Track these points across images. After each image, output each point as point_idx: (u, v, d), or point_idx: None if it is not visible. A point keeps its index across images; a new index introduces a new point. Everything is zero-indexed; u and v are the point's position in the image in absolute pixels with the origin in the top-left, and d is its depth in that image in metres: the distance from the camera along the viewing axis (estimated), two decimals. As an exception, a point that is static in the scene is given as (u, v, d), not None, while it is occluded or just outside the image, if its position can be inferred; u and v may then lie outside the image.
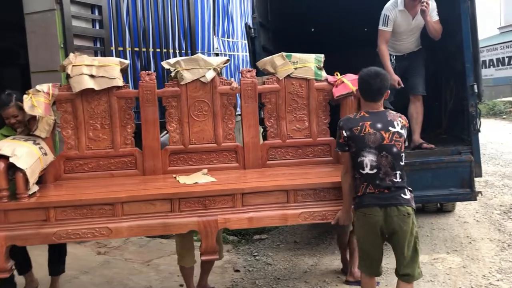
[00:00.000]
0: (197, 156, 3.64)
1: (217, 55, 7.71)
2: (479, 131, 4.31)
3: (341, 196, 3.04)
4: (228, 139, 3.66)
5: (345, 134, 2.84)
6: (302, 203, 3.10)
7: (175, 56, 6.42)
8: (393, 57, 4.63)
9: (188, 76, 3.58)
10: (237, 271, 4.34)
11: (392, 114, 2.87)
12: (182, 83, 3.59)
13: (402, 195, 2.78)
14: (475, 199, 4.37)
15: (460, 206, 5.85)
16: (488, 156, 9.18)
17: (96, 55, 5.25)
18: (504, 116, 16.28)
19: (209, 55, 7.72)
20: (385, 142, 2.78)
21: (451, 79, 5.21)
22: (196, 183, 3.19)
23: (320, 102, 3.77)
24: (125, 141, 3.58)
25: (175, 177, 3.40)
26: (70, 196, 3.04)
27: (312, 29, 6.41)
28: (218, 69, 3.64)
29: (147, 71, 3.64)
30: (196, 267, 3.60)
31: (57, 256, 3.63)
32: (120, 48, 5.51)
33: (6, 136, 3.25)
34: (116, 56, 5.41)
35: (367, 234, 2.84)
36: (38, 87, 3.40)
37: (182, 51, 6.65)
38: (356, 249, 3.55)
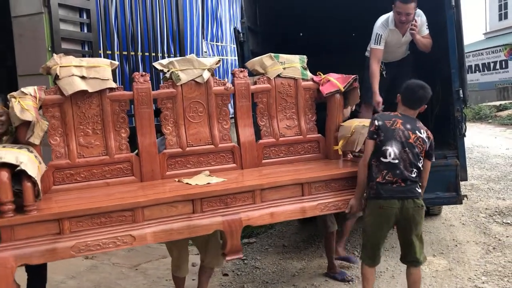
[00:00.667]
0: (194, 158, 3.52)
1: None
2: (464, 135, 4.37)
3: (348, 186, 3.25)
4: (225, 140, 3.61)
5: (377, 123, 3.11)
6: (316, 195, 3.21)
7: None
8: (382, 63, 4.72)
9: (184, 77, 3.48)
10: (226, 275, 4.34)
11: (421, 123, 3.17)
12: (178, 83, 3.46)
13: (416, 188, 3.05)
14: (461, 203, 4.43)
15: (446, 209, 5.92)
16: (474, 160, 9.30)
17: (84, 58, 5.22)
18: (490, 121, 16.52)
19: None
20: (410, 140, 3.05)
21: (437, 84, 5.27)
22: (208, 183, 3.09)
23: (307, 100, 3.87)
24: (120, 147, 3.34)
25: (178, 181, 3.28)
26: (80, 205, 2.74)
27: (301, 34, 6.46)
28: (212, 69, 3.61)
29: (140, 73, 3.47)
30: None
31: (39, 284, 3.23)
32: (108, 52, 5.50)
33: None
34: (104, 60, 5.39)
35: (379, 225, 3.08)
36: (23, 89, 3.09)
37: (171, 55, 6.65)
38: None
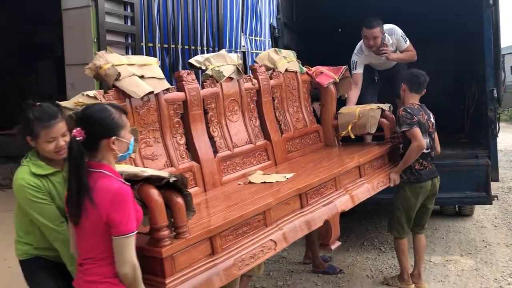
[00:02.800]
0: (240, 160, 3.34)
1: (244, 53, 7.89)
2: (497, 135, 4.37)
3: (383, 163, 3.80)
4: (258, 138, 3.55)
5: (415, 118, 3.63)
6: (368, 175, 3.55)
7: (202, 53, 6.62)
8: (375, 70, 4.96)
9: (226, 73, 3.32)
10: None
11: (426, 108, 3.82)
12: (220, 81, 3.28)
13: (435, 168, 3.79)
14: (491, 203, 4.44)
15: (479, 210, 5.89)
16: (515, 163, 9.07)
17: (127, 50, 5.49)
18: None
19: (236, 53, 7.92)
20: (430, 130, 3.77)
21: (473, 84, 5.27)
22: (287, 178, 3.06)
23: (305, 93, 4.09)
24: (181, 155, 2.94)
25: (243, 184, 3.09)
26: (222, 217, 2.36)
27: (339, 30, 6.53)
28: (241, 65, 3.53)
29: (186, 70, 3.16)
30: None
31: None
32: (150, 44, 5.73)
33: (40, 176, 2.26)
34: (146, 52, 5.65)
35: (417, 201, 3.75)
36: (88, 93, 2.56)
37: (210, 49, 6.84)
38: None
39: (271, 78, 3.76)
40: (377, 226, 5.52)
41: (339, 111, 4.15)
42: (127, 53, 5.45)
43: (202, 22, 6.81)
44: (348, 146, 4.08)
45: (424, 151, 3.66)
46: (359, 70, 4.69)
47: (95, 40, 5.16)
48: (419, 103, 3.80)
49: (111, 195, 1.85)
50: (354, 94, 4.58)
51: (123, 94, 2.64)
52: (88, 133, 1.88)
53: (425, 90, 3.79)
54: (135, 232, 1.88)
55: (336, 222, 2.99)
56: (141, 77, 2.77)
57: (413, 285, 3.88)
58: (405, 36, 4.63)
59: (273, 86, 3.76)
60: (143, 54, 5.57)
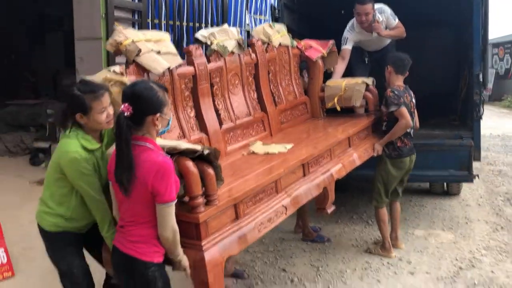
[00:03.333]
0: (240, 131, 3.54)
1: (248, 32, 8.10)
2: (481, 118, 4.62)
3: (368, 134, 4.16)
4: (256, 110, 3.75)
5: (402, 100, 3.96)
6: (356, 145, 3.90)
7: (207, 30, 6.85)
8: (365, 52, 5.20)
9: (229, 48, 3.47)
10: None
11: (409, 89, 4.16)
12: (225, 55, 3.43)
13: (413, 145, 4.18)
14: (472, 181, 4.75)
15: (466, 190, 6.17)
16: (510, 147, 9.36)
17: (133, 26, 5.76)
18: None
19: (240, 31, 8.13)
20: (412, 109, 4.10)
21: (465, 68, 5.49)
22: (287, 149, 3.29)
23: (295, 66, 4.37)
24: (192, 128, 3.14)
25: (247, 154, 3.32)
26: (244, 185, 2.61)
27: (342, 11, 6.69)
28: (242, 39, 3.69)
29: (194, 45, 3.29)
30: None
31: None
32: (156, 21, 6.00)
33: (89, 150, 2.41)
34: (151, 28, 5.90)
35: (397, 175, 4.15)
36: (114, 69, 2.65)
37: (214, 26, 7.07)
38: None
39: (266, 52, 3.96)
40: (367, 202, 5.81)
41: (326, 84, 4.47)
42: (133, 29, 5.71)
43: (207, 0, 7.03)
44: (333, 118, 4.41)
45: (407, 129, 4.03)
46: (348, 46, 4.91)
47: (103, 15, 5.43)
48: (403, 85, 4.13)
49: (157, 167, 2.06)
50: (340, 67, 4.81)
51: (143, 69, 2.79)
52: (135, 109, 2.08)
53: (408, 72, 4.12)
54: (176, 201, 2.12)
55: (332, 188, 3.37)
56: (158, 52, 2.91)
57: (394, 254, 4.22)
58: (394, 14, 4.89)
59: (268, 60, 3.98)
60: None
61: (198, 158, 2.24)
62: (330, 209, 3.43)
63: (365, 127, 4.14)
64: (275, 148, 3.35)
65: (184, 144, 2.28)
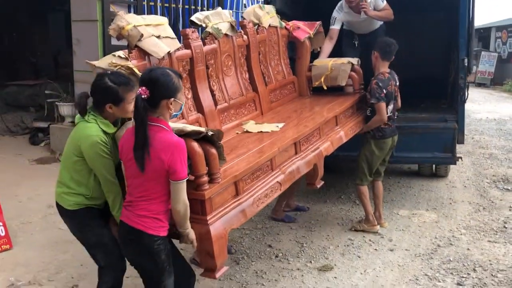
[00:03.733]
0: (233, 111, 3.71)
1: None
2: (465, 101, 4.75)
3: (353, 112, 4.38)
4: (248, 90, 3.90)
5: (384, 91, 4.17)
6: (342, 124, 4.09)
7: (202, 13, 6.94)
8: (356, 35, 5.35)
9: (224, 30, 3.62)
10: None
11: (394, 74, 4.37)
12: (219, 38, 3.57)
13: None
14: (455, 163, 4.90)
15: (454, 172, 6.33)
16: (504, 131, 9.47)
17: (129, 8, 5.88)
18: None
19: (237, 13, 8.23)
20: (396, 93, 4.36)
21: (454, 53, 5.59)
22: (279, 128, 3.50)
23: (283, 46, 4.55)
24: (189, 109, 3.29)
25: (241, 133, 3.49)
26: (242, 164, 2.82)
27: None
28: (234, 22, 3.83)
29: (191, 29, 3.39)
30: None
31: None
32: (151, 3, 6.11)
33: (107, 134, 2.56)
34: (147, 11, 6.01)
35: (381, 155, 4.38)
36: (119, 54, 2.78)
37: (210, 8, 7.17)
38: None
39: (257, 33, 4.11)
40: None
41: (313, 63, 4.69)
42: (129, 11, 5.85)
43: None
44: (320, 96, 4.62)
45: (388, 113, 4.27)
46: (336, 26, 5.09)
47: (99, -2, 5.55)
48: (389, 70, 4.31)
49: (173, 147, 2.25)
50: (327, 47, 4.99)
51: (144, 53, 2.94)
52: (152, 92, 2.25)
53: (394, 57, 4.29)
54: (187, 178, 2.32)
55: (321, 165, 3.59)
56: (158, 37, 3.04)
57: (378, 226, 4.49)
58: None
59: (259, 41, 4.14)
60: (144, 13, 5.97)
61: (202, 139, 2.42)
62: (319, 184, 3.67)
63: (351, 106, 4.34)
64: (268, 127, 3.53)
65: (189, 127, 2.46)
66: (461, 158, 4.96)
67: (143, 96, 2.23)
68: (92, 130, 2.50)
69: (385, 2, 5.04)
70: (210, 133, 2.41)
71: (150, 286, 2.49)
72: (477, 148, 7.96)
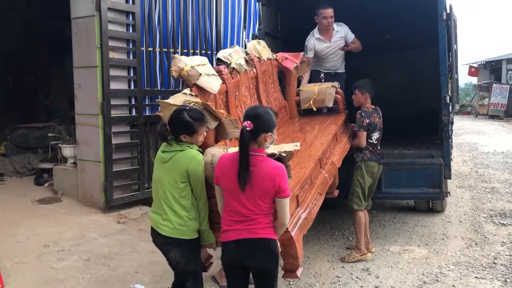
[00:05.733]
0: None
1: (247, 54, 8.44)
2: (449, 137, 4.85)
3: (344, 129, 5.05)
4: None
5: (367, 121, 4.74)
6: (340, 139, 4.75)
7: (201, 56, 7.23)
8: (322, 73, 5.92)
9: (244, 66, 4.29)
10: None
11: (378, 109, 4.90)
12: (242, 71, 4.20)
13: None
14: (443, 199, 4.95)
15: (452, 207, 6.39)
16: (510, 164, 9.50)
17: (128, 55, 6.20)
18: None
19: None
20: (381, 126, 4.85)
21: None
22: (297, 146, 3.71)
23: (276, 75, 5.14)
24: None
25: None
26: (295, 180, 3.41)
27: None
28: (248, 57, 4.53)
29: (221, 65, 3.94)
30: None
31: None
32: (150, 49, 6.43)
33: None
34: (146, 56, 6.32)
35: (371, 179, 4.78)
36: (186, 91, 3.29)
37: (208, 52, 7.46)
38: None
39: (261, 66, 4.77)
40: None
41: (300, 89, 5.34)
42: (128, 57, 6.16)
43: (201, 27, 7.45)
44: (309, 117, 5.25)
45: (374, 141, 4.84)
46: (310, 55, 5.90)
47: (99, 45, 5.91)
48: (373, 106, 4.87)
49: (280, 171, 2.74)
50: (307, 74, 5.81)
51: (201, 90, 3.42)
52: (255, 126, 2.72)
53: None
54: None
55: (337, 175, 4.35)
56: (207, 75, 3.51)
57: (369, 254, 4.76)
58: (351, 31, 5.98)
59: (262, 72, 4.79)
60: (143, 58, 6.27)
61: (277, 159, 2.90)
62: (336, 192, 4.42)
63: (343, 123, 5.06)
64: (288, 147, 3.92)
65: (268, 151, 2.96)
66: (449, 193, 5.01)
67: (248, 129, 2.70)
68: (194, 151, 3.02)
69: (353, 35, 5.84)
70: (283, 154, 2.92)
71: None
72: (479, 182, 8.00)
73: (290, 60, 5.25)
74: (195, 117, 2.98)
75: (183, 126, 2.98)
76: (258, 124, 2.73)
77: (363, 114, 4.75)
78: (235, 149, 3.07)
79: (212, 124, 3.17)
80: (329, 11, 5.73)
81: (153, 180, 3.18)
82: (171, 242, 3.08)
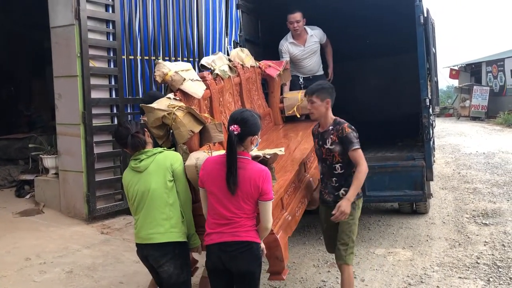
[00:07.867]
0: None
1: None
2: (430, 139, 4.91)
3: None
4: None
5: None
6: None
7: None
8: (301, 78, 5.99)
9: (228, 72, 4.30)
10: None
11: None
12: (225, 78, 4.23)
13: None
14: (426, 200, 5.01)
15: (435, 208, 6.45)
16: (491, 165, 9.62)
17: (109, 63, 6.16)
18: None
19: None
20: None
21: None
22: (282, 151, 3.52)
23: (259, 83, 5.18)
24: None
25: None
26: (280, 183, 3.35)
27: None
28: (232, 64, 4.55)
29: (205, 72, 3.93)
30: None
31: None
32: (131, 57, 6.40)
33: None
34: (127, 64, 6.29)
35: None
36: (170, 96, 3.29)
37: (190, 59, 7.46)
38: None
39: (244, 73, 4.79)
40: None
41: (284, 96, 5.35)
42: (109, 66, 6.12)
43: (183, 34, 7.44)
44: (292, 124, 5.28)
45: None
46: (286, 58, 5.92)
47: (78, 54, 5.87)
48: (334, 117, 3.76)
49: (264, 173, 2.77)
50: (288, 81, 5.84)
51: (185, 95, 3.45)
52: (242, 130, 2.75)
53: None
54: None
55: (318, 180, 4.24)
56: (191, 80, 3.54)
57: None
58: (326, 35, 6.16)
59: (246, 79, 4.83)
60: (124, 67, 6.24)
61: (261, 162, 2.92)
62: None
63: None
64: (273, 151, 3.84)
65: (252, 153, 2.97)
66: (432, 194, 5.06)
67: (235, 133, 2.73)
68: (173, 151, 3.14)
69: (326, 37, 5.97)
70: (268, 156, 2.95)
71: None
72: (462, 183, 8.10)
73: (273, 68, 5.30)
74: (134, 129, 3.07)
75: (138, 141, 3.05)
76: (245, 128, 2.77)
77: (352, 127, 3.50)
78: (219, 152, 3.14)
79: (197, 128, 3.16)
80: (295, 16, 5.77)
81: (131, 197, 3.09)
82: (165, 253, 3.03)
